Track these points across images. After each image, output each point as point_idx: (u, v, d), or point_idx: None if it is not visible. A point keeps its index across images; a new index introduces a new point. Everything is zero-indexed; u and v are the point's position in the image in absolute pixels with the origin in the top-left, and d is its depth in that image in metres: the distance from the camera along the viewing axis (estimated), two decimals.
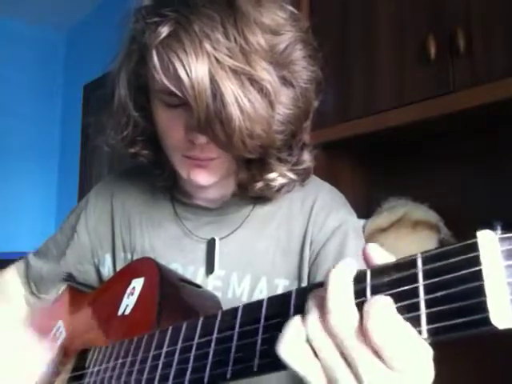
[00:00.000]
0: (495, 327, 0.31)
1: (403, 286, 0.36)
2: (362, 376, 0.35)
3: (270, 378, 0.43)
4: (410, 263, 0.36)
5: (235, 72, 0.56)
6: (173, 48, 0.56)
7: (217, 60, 0.56)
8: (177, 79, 0.57)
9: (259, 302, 0.45)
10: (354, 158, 1.50)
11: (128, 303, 0.69)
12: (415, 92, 1.15)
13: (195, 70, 0.55)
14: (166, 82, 0.59)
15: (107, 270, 0.85)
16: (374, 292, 0.37)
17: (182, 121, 0.64)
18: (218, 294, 0.74)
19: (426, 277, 0.35)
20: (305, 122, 0.69)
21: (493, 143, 1.24)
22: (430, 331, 0.34)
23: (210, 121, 0.58)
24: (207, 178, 0.68)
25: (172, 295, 0.67)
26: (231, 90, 0.56)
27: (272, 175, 0.71)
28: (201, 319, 0.50)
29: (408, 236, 1.24)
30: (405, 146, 1.39)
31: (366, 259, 0.40)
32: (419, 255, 0.36)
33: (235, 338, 0.45)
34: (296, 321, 0.38)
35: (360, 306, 0.36)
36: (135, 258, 0.81)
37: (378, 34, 1.25)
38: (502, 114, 1.09)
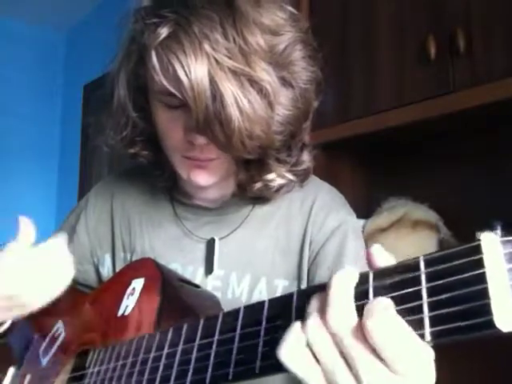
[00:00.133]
0: (499, 330, 0.31)
1: (406, 289, 0.36)
2: (361, 376, 0.35)
3: (273, 378, 0.43)
4: (413, 265, 0.36)
5: (234, 73, 0.56)
6: (172, 49, 0.56)
7: (216, 61, 0.56)
8: (176, 80, 0.57)
9: (261, 304, 0.45)
10: (353, 158, 1.50)
11: (128, 304, 0.69)
12: (415, 92, 1.15)
13: (194, 71, 0.55)
14: (165, 83, 0.59)
15: (106, 270, 0.85)
16: (377, 294, 0.37)
17: (181, 122, 0.64)
18: (218, 294, 0.74)
19: (429, 279, 0.35)
20: (304, 123, 0.69)
21: (493, 143, 1.24)
22: (433, 334, 0.34)
23: (210, 122, 0.58)
24: (207, 179, 0.68)
25: (172, 296, 0.67)
26: (231, 90, 0.56)
27: (271, 176, 0.71)
28: (202, 320, 0.50)
29: (408, 236, 1.24)
30: (405, 146, 1.39)
31: (369, 261, 0.40)
32: (422, 257, 0.36)
33: (237, 339, 0.45)
34: (296, 326, 0.39)
35: (362, 308, 0.36)
36: (135, 258, 0.81)
37: (378, 34, 1.25)
38: (501, 114, 1.09)
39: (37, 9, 3.24)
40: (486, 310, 0.31)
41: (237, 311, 0.47)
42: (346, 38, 1.33)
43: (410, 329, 0.34)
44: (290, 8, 0.64)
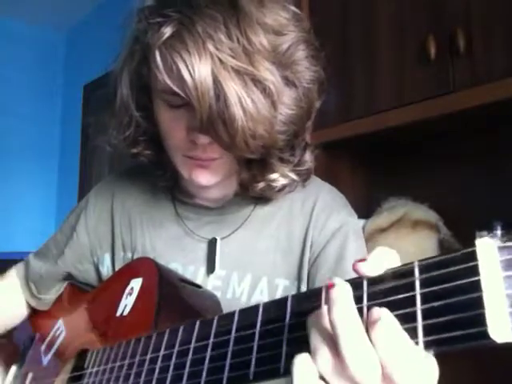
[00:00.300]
0: (493, 341, 0.30)
1: (400, 294, 0.35)
2: None
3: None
4: (407, 271, 0.35)
5: (238, 72, 0.56)
6: (176, 48, 0.56)
7: (220, 60, 0.56)
8: (180, 79, 0.57)
9: (255, 308, 0.45)
10: (354, 157, 1.50)
11: (127, 303, 0.69)
12: (415, 92, 1.15)
13: (198, 70, 0.55)
14: (168, 82, 0.59)
15: (106, 270, 0.85)
16: (371, 299, 0.36)
17: (184, 121, 0.64)
18: (218, 294, 0.74)
19: (423, 285, 0.34)
20: (307, 123, 0.69)
21: (493, 143, 1.24)
22: (426, 343, 0.33)
23: (213, 121, 0.58)
24: (209, 178, 0.68)
25: (171, 295, 0.67)
26: (234, 90, 0.56)
27: (273, 176, 0.71)
28: (197, 323, 0.50)
29: (408, 236, 1.24)
30: (405, 146, 1.40)
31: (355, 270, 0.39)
32: (416, 263, 0.35)
33: (231, 343, 0.45)
34: (305, 359, 0.37)
35: (360, 310, 0.36)
36: (135, 257, 0.81)
37: (378, 34, 1.25)
38: (501, 114, 1.10)
39: (37, 9, 3.25)
40: (480, 319, 0.30)
41: (232, 314, 0.46)
42: (347, 39, 1.33)
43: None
44: (292, 8, 0.64)
